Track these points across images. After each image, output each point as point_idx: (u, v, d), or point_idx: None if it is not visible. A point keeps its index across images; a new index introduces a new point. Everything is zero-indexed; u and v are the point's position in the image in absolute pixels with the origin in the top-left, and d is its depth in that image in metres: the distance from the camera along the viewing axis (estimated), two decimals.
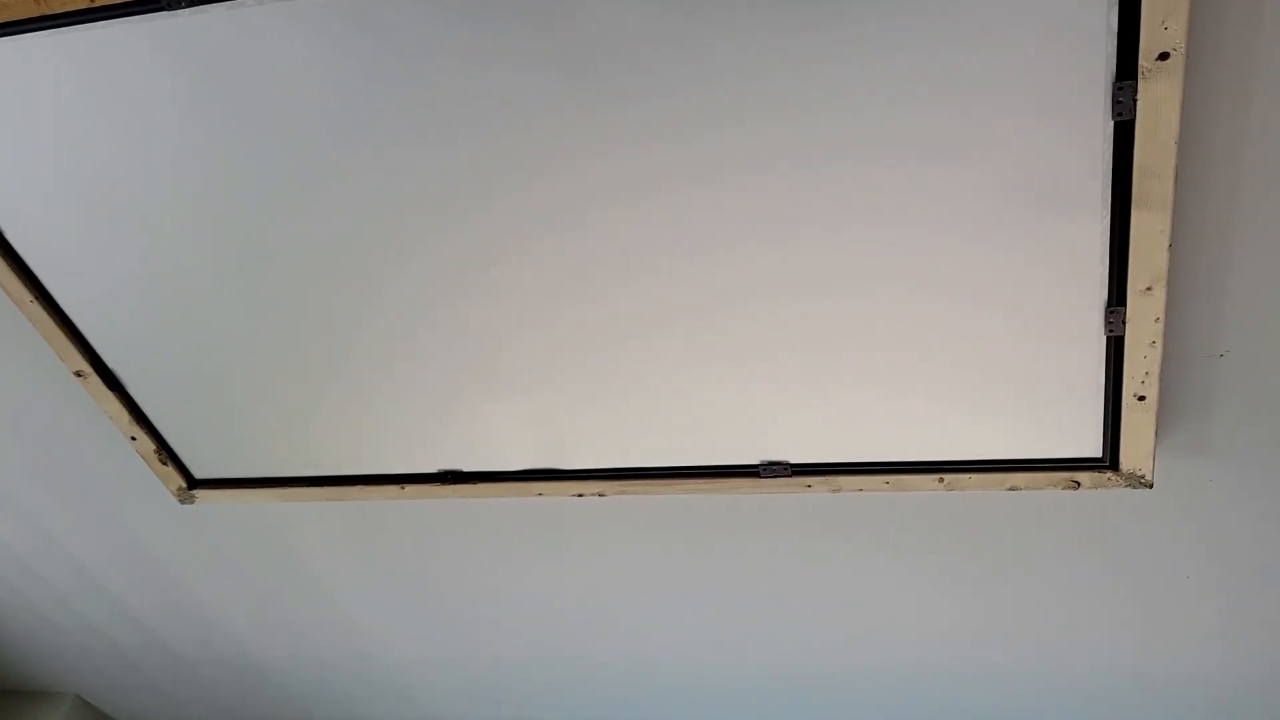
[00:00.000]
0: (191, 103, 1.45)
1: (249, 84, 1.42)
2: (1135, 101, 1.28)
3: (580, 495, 1.81)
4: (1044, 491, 1.74)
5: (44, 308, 1.74)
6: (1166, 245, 1.36)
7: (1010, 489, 1.66)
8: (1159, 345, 1.42)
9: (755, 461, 1.71)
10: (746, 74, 1.33)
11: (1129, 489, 1.67)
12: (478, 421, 1.76)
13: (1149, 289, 1.40)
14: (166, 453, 1.95)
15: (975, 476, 1.67)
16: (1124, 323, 1.43)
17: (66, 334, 1.77)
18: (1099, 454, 1.56)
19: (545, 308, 1.60)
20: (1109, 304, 1.42)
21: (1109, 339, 1.44)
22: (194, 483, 2.00)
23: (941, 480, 1.69)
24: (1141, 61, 1.25)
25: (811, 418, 1.63)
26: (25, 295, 1.72)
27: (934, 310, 1.48)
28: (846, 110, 1.34)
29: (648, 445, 1.73)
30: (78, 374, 1.82)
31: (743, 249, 1.47)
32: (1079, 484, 1.64)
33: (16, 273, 1.70)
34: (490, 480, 1.83)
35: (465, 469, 1.83)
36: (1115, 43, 1.25)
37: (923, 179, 1.38)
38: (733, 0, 1.28)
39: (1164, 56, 1.24)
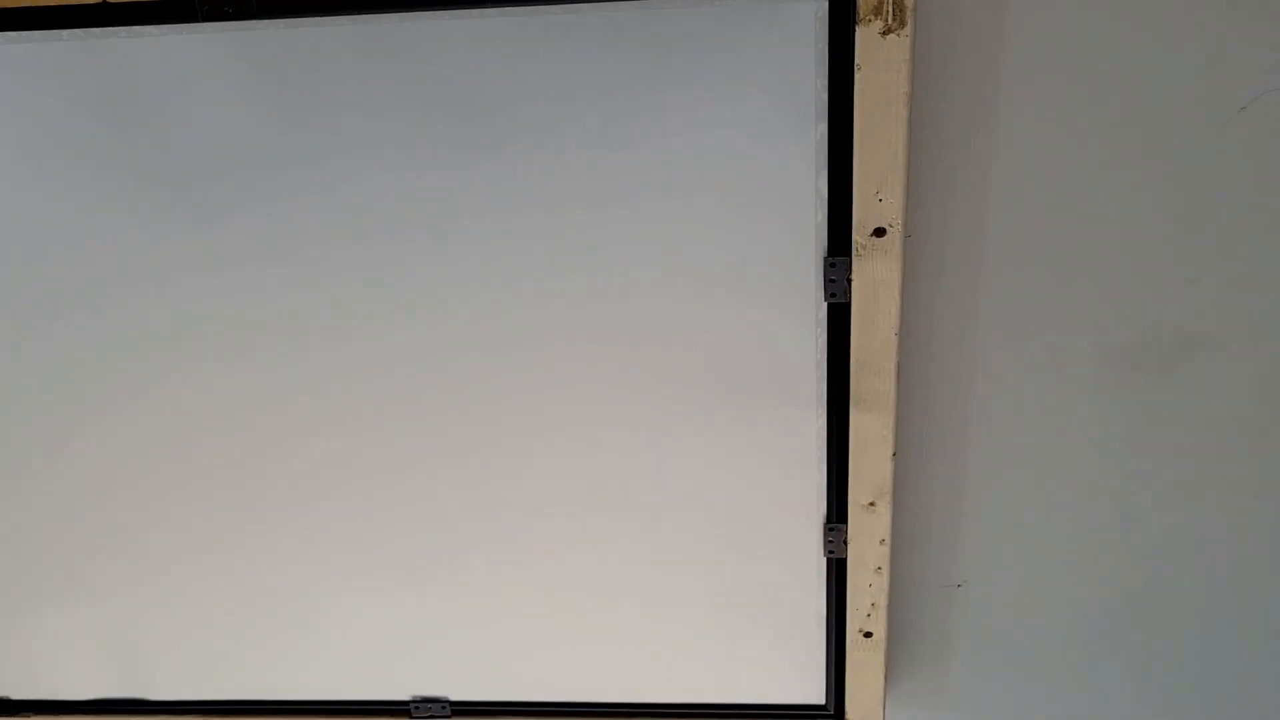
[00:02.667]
0: None
1: None
2: (849, 282, 1.17)
3: None
4: None
5: None
6: (890, 453, 1.24)
7: None
8: (886, 572, 1.29)
9: (406, 698, 1.46)
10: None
11: None
12: (37, 637, 1.42)
13: (872, 504, 1.27)
14: None
15: None
16: (845, 543, 1.30)
17: None
18: (822, 700, 1.40)
19: (128, 501, 1.33)
20: (828, 520, 1.29)
21: (829, 561, 1.31)
22: None
23: None
24: (855, 236, 1.15)
25: (476, 649, 1.42)
26: None
27: (631, 524, 1.31)
28: (546, 290, 1.19)
29: (269, 672, 1.44)
30: None
31: (415, 464, 1.29)
32: None
33: None
34: (50, 713, 1.48)
35: (14, 697, 1.48)
36: (825, 211, 1.14)
37: (620, 364, 1.22)
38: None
39: (879, 233, 1.13)
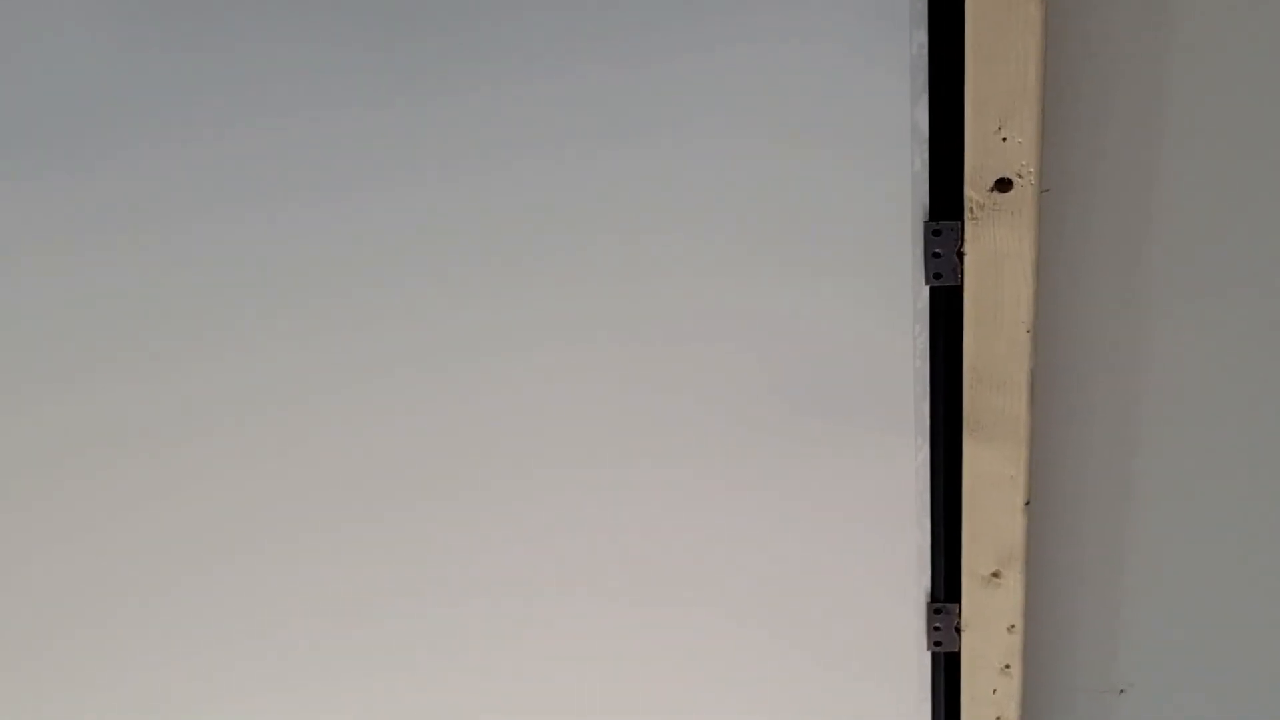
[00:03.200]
0: None
1: None
2: (960, 257, 0.87)
3: None
4: None
5: None
6: (1022, 501, 0.94)
7: None
8: (1017, 672, 1.01)
9: None
10: None
11: None
12: None
13: (996, 574, 0.98)
14: None
15: None
16: (958, 631, 1.01)
17: None
18: None
19: None
20: (933, 598, 1.00)
21: (935, 657, 1.03)
22: None
23: None
24: (969, 191, 0.86)
25: None
26: None
27: (659, 610, 1.03)
28: (546, 268, 0.92)
29: None
30: None
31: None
32: None
33: None
34: None
35: None
36: (926, 155, 0.86)
37: (646, 372, 0.94)
38: None
39: (1004, 185, 0.85)
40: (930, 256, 0.90)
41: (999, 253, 0.89)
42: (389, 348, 0.98)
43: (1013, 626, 1.01)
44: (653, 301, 0.94)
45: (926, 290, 0.91)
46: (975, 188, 0.88)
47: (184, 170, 0.93)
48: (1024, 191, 0.88)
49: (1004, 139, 0.86)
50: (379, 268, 0.94)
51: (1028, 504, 0.96)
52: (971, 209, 0.89)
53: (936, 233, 0.90)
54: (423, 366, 0.98)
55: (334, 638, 1.12)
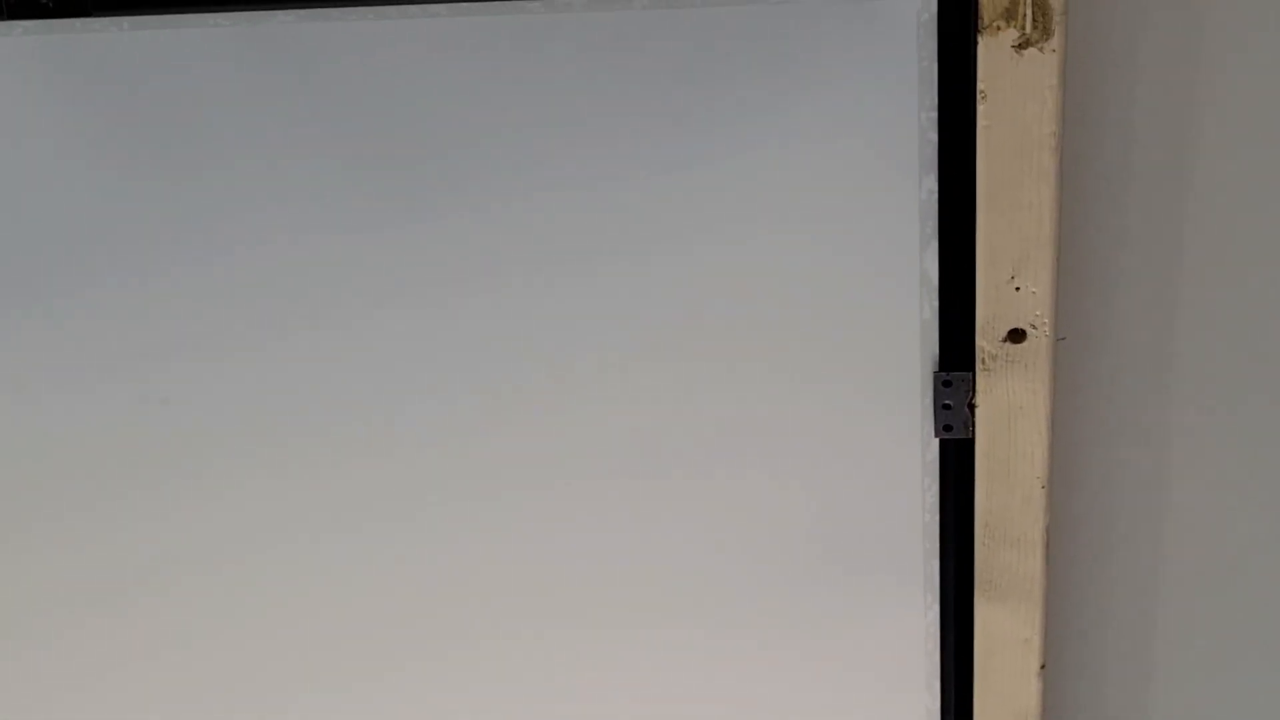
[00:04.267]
0: None
1: None
2: (972, 409, 0.85)
3: None
4: None
5: None
6: (1038, 666, 0.90)
7: None
8: None
9: None
10: None
11: None
12: None
13: None
14: None
15: None
16: None
17: None
18: None
19: None
20: None
21: None
22: None
23: None
24: (981, 342, 0.83)
25: None
26: None
27: None
28: (503, 403, 0.88)
29: None
30: None
31: None
32: None
33: None
34: None
35: None
36: (935, 304, 0.84)
37: (616, 524, 0.91)
38: None
39: (1017, 336, 0.82)
40: (940, 408, 0.87)
41: (1012, 405, 0.86)
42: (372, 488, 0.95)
43: None
44: (639, 451, 0.90)
45: (936, 442, 0.88)
46: (987, 338, 0.85)
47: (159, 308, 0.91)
48: (1038, 343, 0.85)
49: (1017, 289, 0.83)
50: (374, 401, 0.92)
51: (1043, 668, 0.93)
52: (984, 360, 0.86)
53: (947, 383, 0.86)
54: (396, 512, 0.94)
55: None
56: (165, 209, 0.87)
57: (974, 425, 0.87)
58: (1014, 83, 0.79)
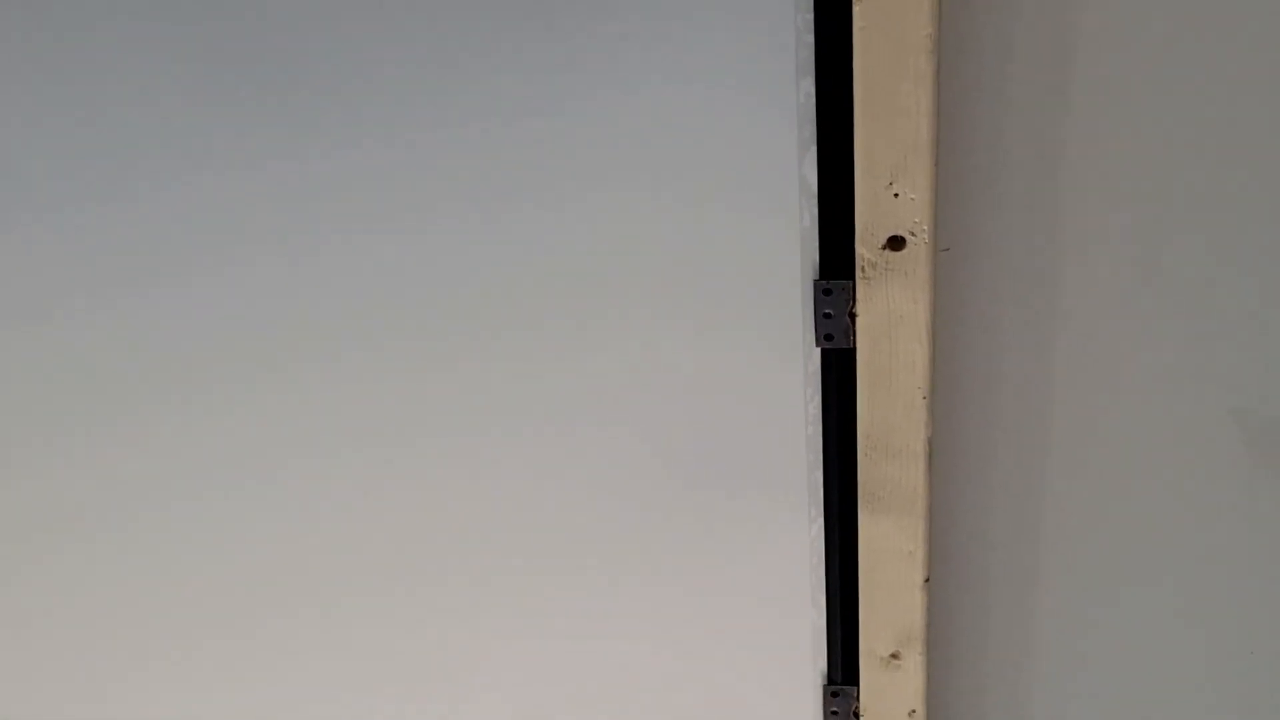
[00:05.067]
0: None
1: None
2: (853, 318, 0.85)
3: None
4: None
5: None
6: (921, 578, 0.92)
7: None
8: None
9: None
10: None
11: None
12: None
13: (895, 656, 0.95)
14: None
15: None
16: (856, 716, 0.98)
17: None
18: None
19: None
20: (830, 680, 0.97)
21: None
22: None
23: None
24: (861, 250, 0.84)
25: None
26: None
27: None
28: (411, 336, 0.89)
29: None
30: None
31: None
32: None
33: None
34: None
35: None
36: (815, 211, 0.84)
37: (507, 446, 0.92)
38: None
39: (896, 243, 0.83)
40: (821, 317, 0.88)
41: (893, 314, 0.87)
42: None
43: (913, 712, 0.97)
44: (528, 374, 0.91)
45: (818, 353, 0.89)
46: (866, 246, 0.86)
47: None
48: (918, 250, 0.86)
49: (896, 195, 0.84)
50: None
51: (927, 581, 0.94)
52: (863, 268, 0.86)
53: (827, 292, 0.87)
54: (285, 461, 0.95)
55: None
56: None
57: (855, 335, 0.88)
58: None
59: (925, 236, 0.86)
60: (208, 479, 0.99)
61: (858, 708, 0.97)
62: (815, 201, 0.85)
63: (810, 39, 0.82)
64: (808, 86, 0.83)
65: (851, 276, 0.86)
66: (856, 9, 0.80)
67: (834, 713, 0.98)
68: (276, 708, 1.09)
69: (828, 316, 0.87)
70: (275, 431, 0.95)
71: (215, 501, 0.99)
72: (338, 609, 1.03)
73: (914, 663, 0.95)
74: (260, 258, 0.89)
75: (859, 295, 0.86)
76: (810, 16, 0.82)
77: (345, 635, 1.04)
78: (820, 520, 0.93)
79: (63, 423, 0.98)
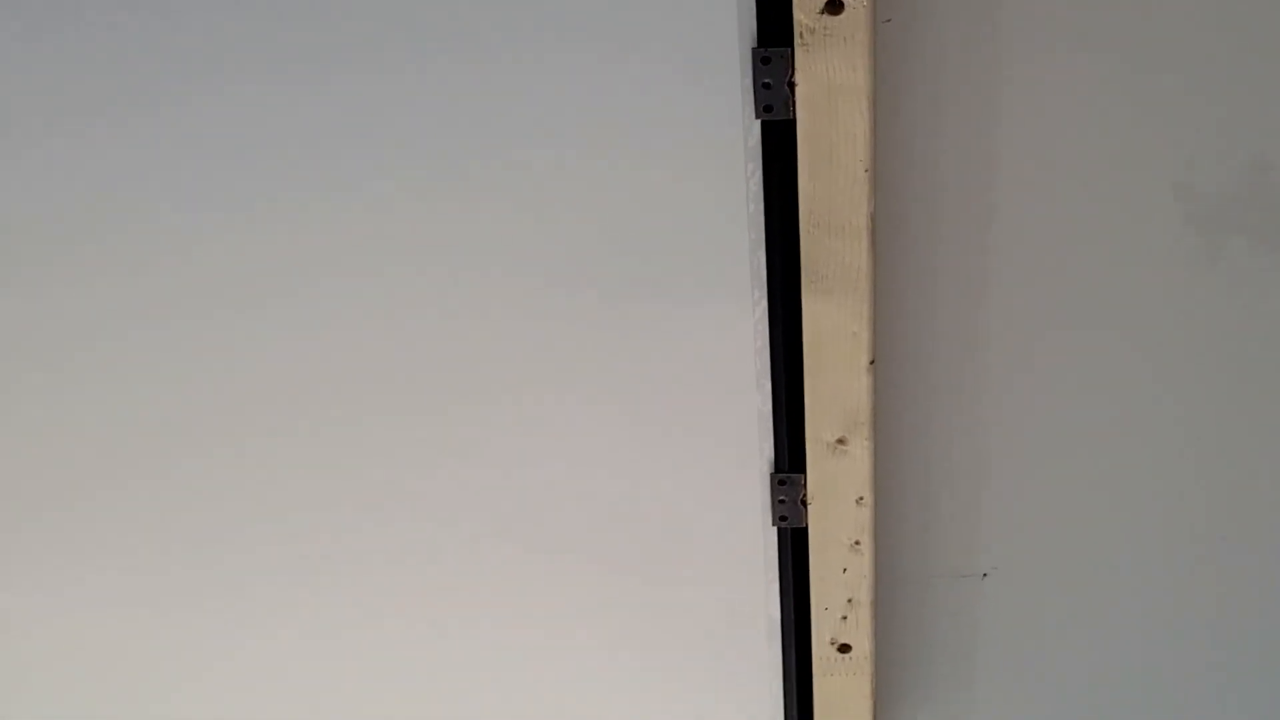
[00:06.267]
0: None
1: None
2: (792, 88, 0.86)
3: None
4: None
5: None
6: (866, 360, 0.93)
7: None
8: (868, 548, 0.99)
9: None
10: None
11: None
12: None
13: (841, 441, 0.97)
14: None
15: None
16: (803, 504, 0.99)
17: None
18: None
19: None
20: (776, 468, 0.99)
21: (781, 533, 1.02)
22: None
23: None
24: (798, 14, 0.84)
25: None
26: None
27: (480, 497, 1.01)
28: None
29: None
30: None
31: None
32: None
33: None
34: None
35: None
36: None
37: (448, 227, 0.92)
38: None
39: (835, 7, 0.83)
40: (760, 87, 0.88)
41: (832, 83, 0.88)
42: None
43: (861, 499, 0.99)
44: (459, 156, 0.89)
45: (758, 125, 0.89)
46: (804, 10, 0.86)
47: None
48: (857, 15, 0.86)
49: None
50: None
51: (872, 363, 0.95)
52: (801, 34, 0.87)
53: (765, 60, 0.87)
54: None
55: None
56: None
57: (795, 105, 0.89)
58: None
59: (865, 2, 0.87)
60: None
61: (805, 495, 0.99)
62: None
63: None
64: None
65: (790, 44, 0.87)
66: None
67: (781, 500, 1.00)
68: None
69: (766, 86, 0.88)
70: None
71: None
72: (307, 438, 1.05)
73: (861, 448, 0.97)
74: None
75: (798, 63, 0.87)
76: None
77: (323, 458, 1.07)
78: (764, 303, 0.93)
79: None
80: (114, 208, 0.93)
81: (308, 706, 1.22)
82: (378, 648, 1.15)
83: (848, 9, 0.87)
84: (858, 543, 1.01)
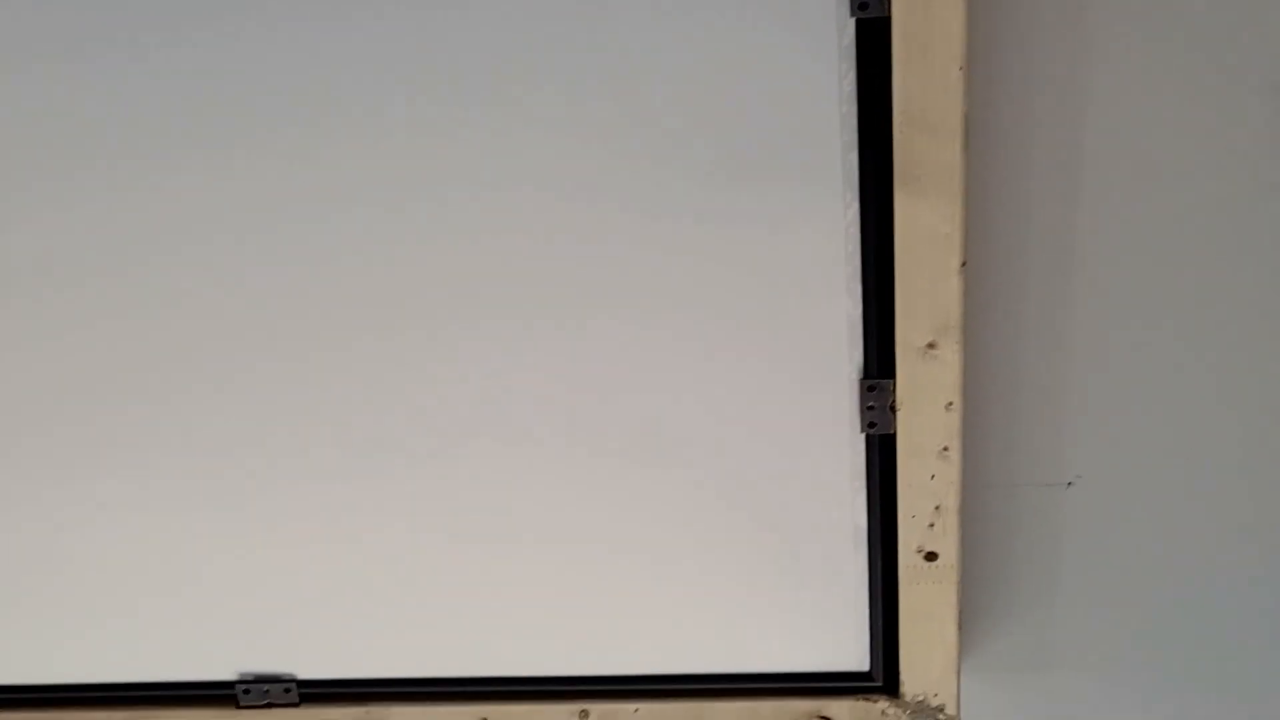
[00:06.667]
0: None
1: None
2: None
3: None
4: None
5: None
6: (958, 263, 0.93)
7: None
8: (956, 455, 0.99)
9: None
10: None
11: None
12: None
13: (932, 345, 0.96)
14: None
15: (643, 706, 1.15)
16: (892, 410, 0.99)
17: None
18: (865, 665, 1.11)
19: None
20: (865, 374, 0.99)
21: (869, 440, 1.01)
22: None
23: (585, 715, 1.17)
24: None
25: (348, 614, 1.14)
26: None
27: (540, 418, 1.02)
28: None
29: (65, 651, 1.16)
30: None
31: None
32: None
33: None
34: None
35: None
36: None
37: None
38: None
39: None
40: None
41: None
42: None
43: (950, 404, 0.99)
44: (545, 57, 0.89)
45: (852, 24, 0.89)
46: None
47: None
48: None
49: None
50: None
51: (964, 265, 0.95)
52: None
53: None
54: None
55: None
56: None
57: (890, 1, 0.89)
58: None
59: None
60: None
61: (894, 401, 0.99)
62: None
63: None
64: None
65: None
66: None
67: (870, 407, 0.99)
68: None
69: None
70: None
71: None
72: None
73: (951, 352, 0.96)
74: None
75: None
76: None
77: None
78: (856, 205, 0.93)
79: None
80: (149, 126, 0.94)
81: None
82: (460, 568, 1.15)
83: None
84: (946, 449, 1.00)
